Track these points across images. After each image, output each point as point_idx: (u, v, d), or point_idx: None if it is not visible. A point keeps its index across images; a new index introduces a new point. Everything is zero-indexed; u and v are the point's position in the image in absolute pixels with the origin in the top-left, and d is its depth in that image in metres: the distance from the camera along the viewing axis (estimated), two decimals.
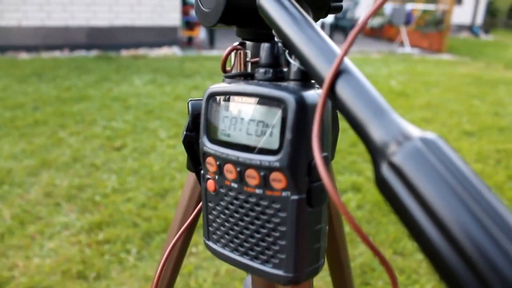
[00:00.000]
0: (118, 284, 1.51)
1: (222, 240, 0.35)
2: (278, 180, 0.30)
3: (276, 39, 0.33)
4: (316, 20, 0.39)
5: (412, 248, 1.78)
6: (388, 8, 9.31)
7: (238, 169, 0.32)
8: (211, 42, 7.31)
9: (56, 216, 1.91)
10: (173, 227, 0.52)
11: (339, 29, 9.46)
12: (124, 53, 6.29)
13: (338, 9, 0.41)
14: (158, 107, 3.61)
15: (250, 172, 0.31)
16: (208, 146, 0.34)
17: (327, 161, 0.31)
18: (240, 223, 0.33)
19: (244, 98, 0.31)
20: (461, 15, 11.99)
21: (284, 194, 0.30)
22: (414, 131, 0.21)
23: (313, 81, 0.31)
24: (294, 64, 0.30)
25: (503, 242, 0.17)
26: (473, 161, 2.77)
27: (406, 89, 4.73)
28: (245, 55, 0.39)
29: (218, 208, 0.35)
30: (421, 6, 9.31)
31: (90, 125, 3.09)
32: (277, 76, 0.32)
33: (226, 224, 0.34)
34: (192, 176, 0.49)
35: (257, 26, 0.37)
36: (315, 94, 0.29)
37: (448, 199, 0.19)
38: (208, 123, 0.34)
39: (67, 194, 2.09)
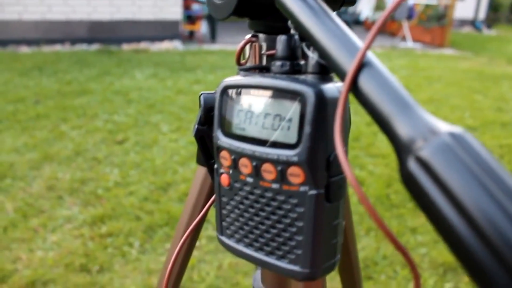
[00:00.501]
0: (121, 277, 1.51)
1: (236, 235, 0.35)
2: (296, 175, 0.29)
3: (292, 31, 0.32)
4: None
5: (415, 243, 1.78)
6: (390, 2, 9.25)
7: (253, 163, 0.31)
8: (213, 36, 7.28)
9: (58, 210, 1.91)
10: (182, 221, 0.51)
11: None
12: (126, 47, 6.28)
13: (352, 2, 0.41)
14: (159, 101, 3.61)
15: (266, 166, 0.30)
16: (222, 140, 0.33)
17: (347, 155, 0.30)
18: (255, 218, 0.33)
19: (260, 91, 0.31)
20: (463, 10, 11.93)
21: (302, 189, 0.29)
22: (442, 126, 0.21)
23: (331, 75, 0.30)
24: (313, 57, 0.30)
25: None
26: None
27: (409, 84, 4.71)
28: (260, 47, 0.38)
29: (232, 202, 0.34)
30: (423, 1, 9.26)
31: (91, 119, 3.09)
32: (294, 69, 0.31)
33: (241, 219, 0.34)
34: (201, 170, 0.49)
35: (271, 18, 0.36)
36: (334, 88, 0.29)
37: (477, 194, 0.18)
38: (222, 116, 0.33)
39: (70, 188, 2.09)
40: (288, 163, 0.29)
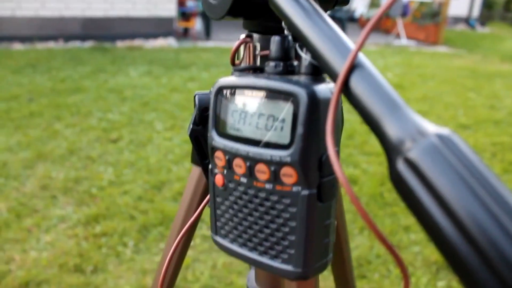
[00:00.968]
0: (115, 277, 1.51)
1: (230, 235, 0.35)
2: (288, 175, 0.29)
3: (286, 32, 0.32)
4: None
5: (408, 241, 1.79)
6: (384, 0, 9.28)
7: (247, 163, 0.31)
8: (207, 33, 7.26)
9: (52, 209, 1.90)
10: (176, 221, 0.51)
11: (335, 21, 9.40)
12: (120, 44, 6.24)
13: (345, 1, 0.41)
14: (154, 98, 3.60)
15: (260, 166, 0.31)
16: (217, 140, 0.33)
17: (338, 156, 0.31)
18: (249, 218, 0.33)
19: (254, 92, 0.31)
20: (457, 7, 11.98)
21: (294, 189, 0.30)
22: (430, 127, 0.21)
23: (324, 75, 0.31)
24: (305, 57, 0.30)
25: None
26: None
27: (403, 82, 4.73)
28: (254, 48, 0.38)
29: (226, 203, 0.35)
30: None
31: (85, 117, 3.08)
32: (288, 70, 0.31)
33: (235, 219, 0.34)
34: (196, 170, 0.49)
35: (265, 19, 0.36)
36: (326, 89, 0.29)
37: (463, 195, 0.19)
38: (217, 117, 0.33)
39: (63, 187, 2.08)
40: (281, 164, 0.30)
